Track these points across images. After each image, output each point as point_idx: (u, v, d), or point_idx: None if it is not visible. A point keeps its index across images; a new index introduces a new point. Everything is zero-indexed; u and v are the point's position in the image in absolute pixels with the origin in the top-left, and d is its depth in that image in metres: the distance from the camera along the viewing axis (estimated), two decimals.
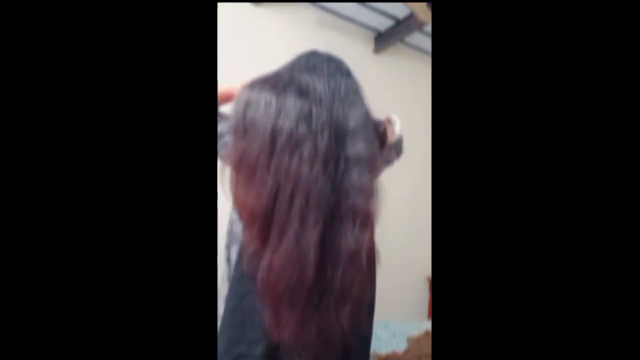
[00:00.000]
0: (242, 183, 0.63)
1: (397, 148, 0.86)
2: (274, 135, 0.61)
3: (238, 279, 0.67)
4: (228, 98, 0.77)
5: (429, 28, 2.09)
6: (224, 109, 0.77)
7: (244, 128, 0.63)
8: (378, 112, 0.76)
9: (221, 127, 0.72)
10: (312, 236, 0.60)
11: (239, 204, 0.65)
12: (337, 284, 0.62)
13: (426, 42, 2.29)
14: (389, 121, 0.82)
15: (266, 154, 0.61)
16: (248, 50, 1.86)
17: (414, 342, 1.76)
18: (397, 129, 0.82)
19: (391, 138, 0.81)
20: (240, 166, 0.63)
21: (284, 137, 0.61)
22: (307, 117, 0.62)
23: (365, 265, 0.63)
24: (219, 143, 0.72)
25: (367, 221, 0.64)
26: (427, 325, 1.98)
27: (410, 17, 1.98)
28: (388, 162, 0.86)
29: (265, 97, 0.63)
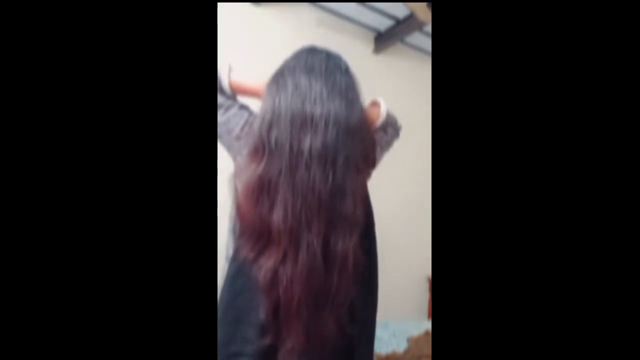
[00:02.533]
0: (264, 202, 0.62)
1: (393, 128, 0.86)
2: (292, 152, 0.61)
3: (233, 276, 0.66)
4: (251, 93, 0.78)
5: (429, 28, 2.09)
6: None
7: (269, 148, 0.63)
8: None
9: (228, 114, 0.74)
10: (319, 244, 0.61)
11: (260, 223, 0.63)
12: (332, 290, 0.62)
13: (426, 42, 2.29)
14: (374, 104, 0.82)
15: (288, 171, 0.61)
16: (248, 50, 1.86)
17: (414, 342, 1.77)
18: (382, 110, 0.82)
19: (376, 119, 0.81)
20: (263, 185, 0.62)
21: (297, 152, 0.61)
22: (312, 124, 0.62)
23: (352, 270, 0.63)
24: (222, 129, 0.73)
25: (355, 226, 0.64)
26: (427, 325, 1.98)
27: (410, 17, 1.98)
28: (387, 143, 0.86)
29: (284, 113, 0.63)
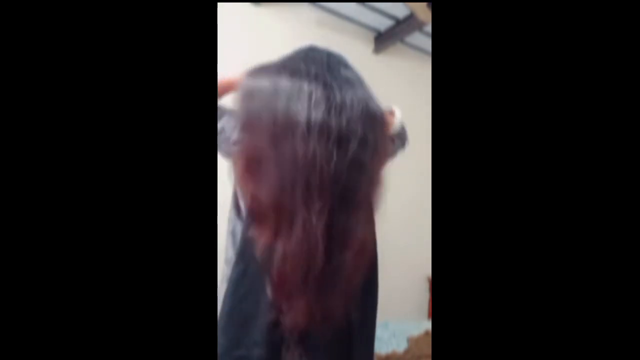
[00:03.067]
0: (252, 178, 0.62)
1: (401, 138, 0.86)
2: (276, 125, 0.59)
3: (236, 279, 0.66)
4: (228, 88, 0.76)
5: (429, 28, 2.09)
6: (225, 101, 0.77)
7: (249, 122, 0.62)
8: None
9: (222, 122, 0.72)
10: (320, 223, 0.59)
11: (251, 200, 0.63)
12: (342, 270, 0.61)
13: (426, 42, 2.29)
14: (390, 113, 0.82)
15: (272, 145, 0.59)
16: (248, 50, 1.86)
17: (414, 342, 1.77)
18: (396, 120, 0.81)
19: (390, 129, 0.80)
20: (250, 160, 0.62)
21: (287, 124, 0.59)
22: (306, 99, 0.60)
23: (369, 253, 0.63)
24: (220, 138, 0.71)
25: (368, 207, 0.64)
26: (427, 325, 1.98)
27: (410, 17, 1.98)
28: (392, 152, 0.85)
29: (267, 87, 0.61)
